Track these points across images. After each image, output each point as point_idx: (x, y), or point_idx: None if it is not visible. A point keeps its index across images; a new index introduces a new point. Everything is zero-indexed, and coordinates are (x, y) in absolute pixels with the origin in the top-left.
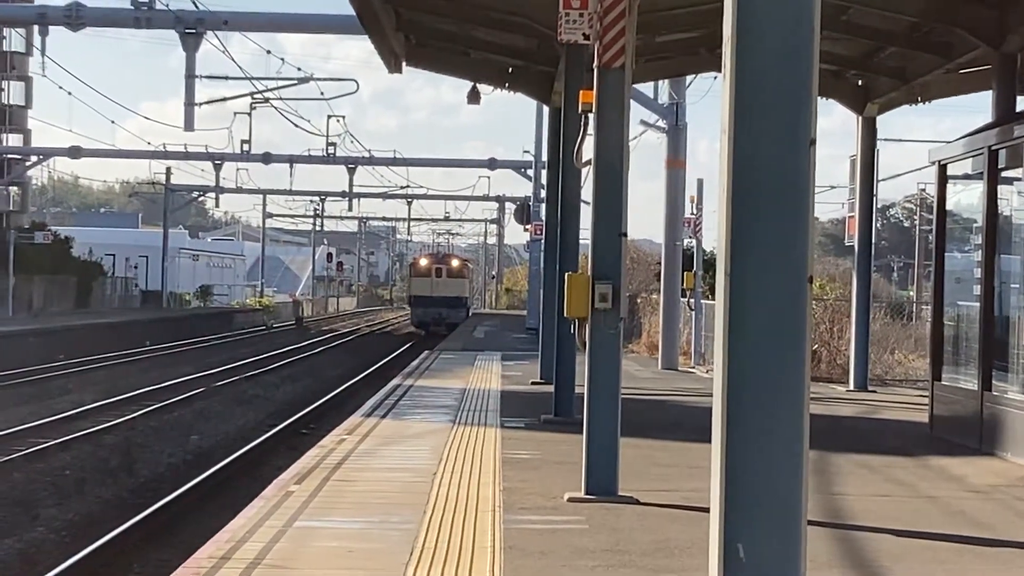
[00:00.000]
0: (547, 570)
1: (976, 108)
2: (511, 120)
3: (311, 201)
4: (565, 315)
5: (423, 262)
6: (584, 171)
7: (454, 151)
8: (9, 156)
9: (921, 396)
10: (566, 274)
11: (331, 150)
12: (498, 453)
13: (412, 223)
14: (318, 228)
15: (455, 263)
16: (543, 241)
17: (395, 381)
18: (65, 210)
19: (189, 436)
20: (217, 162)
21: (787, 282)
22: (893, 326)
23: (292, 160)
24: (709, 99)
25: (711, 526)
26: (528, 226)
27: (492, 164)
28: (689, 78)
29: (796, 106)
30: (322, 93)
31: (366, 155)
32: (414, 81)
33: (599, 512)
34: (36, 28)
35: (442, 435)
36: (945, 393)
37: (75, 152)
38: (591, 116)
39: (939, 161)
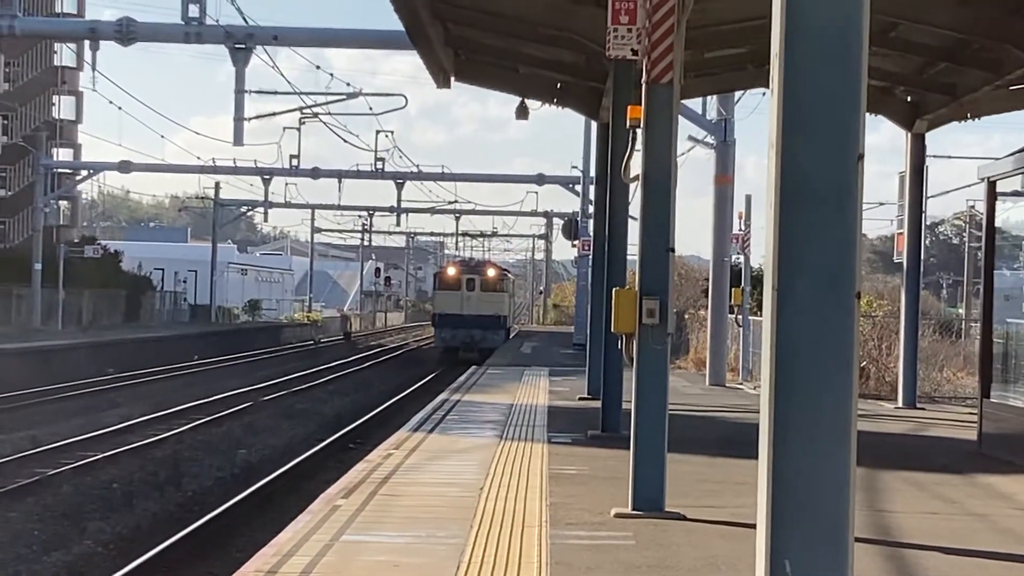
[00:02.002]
0: None
1: None
2: (558, 135)
3: (359, 216)
4: (612, 330)
5: (451, 271)
6: (632, 186)
7: (501, 166)
8: (60, 170)
9: (970, 413)
10: (614, 289)
11: (379, 165)
12: (545, 468)
13: (460, 238)
14: (366, 243)
15: (491, 273)
16: (591, 257)
17: (442, 396)
18: (115, 224)
19: (237, 450)
20: (266, 177)
21: (835, 297)
22: (942, 343)
23: (341, 175)
24: (757, 115)
25: (758, 542)
26: (576, 242)
27: (540, 179)
28: (737, 94)
29: (844, 121)
30: (371, 108)
31: (414, 170)
32: (461, 96)
33: (646, 528)
34: (87, 43)
35: (489, 450)
36: (994, 410)
37: (125, 166)
38: (639, 131)
39: (988, 178)
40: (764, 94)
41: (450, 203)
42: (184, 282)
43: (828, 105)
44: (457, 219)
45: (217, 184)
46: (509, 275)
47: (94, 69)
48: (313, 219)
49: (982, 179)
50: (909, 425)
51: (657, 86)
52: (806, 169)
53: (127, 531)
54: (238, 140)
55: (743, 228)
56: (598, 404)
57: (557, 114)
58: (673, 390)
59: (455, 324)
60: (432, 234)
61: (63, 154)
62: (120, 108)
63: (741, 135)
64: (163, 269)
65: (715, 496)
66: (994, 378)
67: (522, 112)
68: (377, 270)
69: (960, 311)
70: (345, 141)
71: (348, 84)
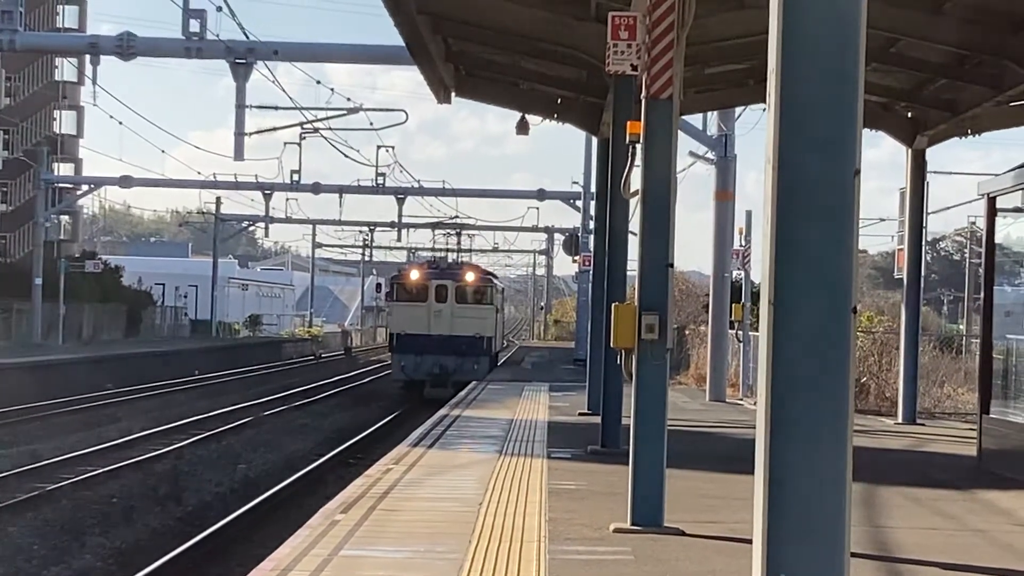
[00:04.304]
0: None
1: None
2: (558, 151)
3: (360, 231)
4: (612, 345)
5: (414, 276)
6: (632, 202)
7: (501, 181)
8: (61, 185)
9: (970, 429)
10: (613, 305)
11: (380, 180)
12: (544, 483)
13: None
14: (367, 258)
15: (470, 277)
16: (591, 272)
17: (442, 411)
18: (116, 239)
19: (237, 465)
20: (267, 192)
21: (832, 312)
22: (942, 359)
23: (341, 190)
24: (758, 131)
25: (754, 557)
26: (576, 257)
27: (541, 195)
28: (738, 110)
29: (841, 136)
30: (371, 123)
31: (415, 185)
32: (460, 111)
33: (645, 543)
34: (88, 58)
35: (488, 465)
36: (994, 426)
37: (126, 181)
38: (639, 147)
39: (988, 194)
40: (764, 110)
41: (451, 218)
42: (185, 297)
43: (825, 120)
44: (458, 235)
45: (218, 199)
46: (495, 282)
47: (95, 84)
48: (314, 234)
49: (982, 195)
50: (909, 441)
51: (657, 101)
52: (803, 183)
53: (127, 546)
54: (239, 155)
55: (743, 243)
56: (598, 419)
57: (557, 129)
58: (673, 406)
59: (420, 349)
60: (433, 249)
61: (64, 169)
62: (121, 123)
63: (742, 151)
64: (164, 284)
65: (714, 511)
66: (994, 394)
67: (522, 127)
68: (378, 285)
69: (961, 327)
70: (346, 156)
71: (348, 99)
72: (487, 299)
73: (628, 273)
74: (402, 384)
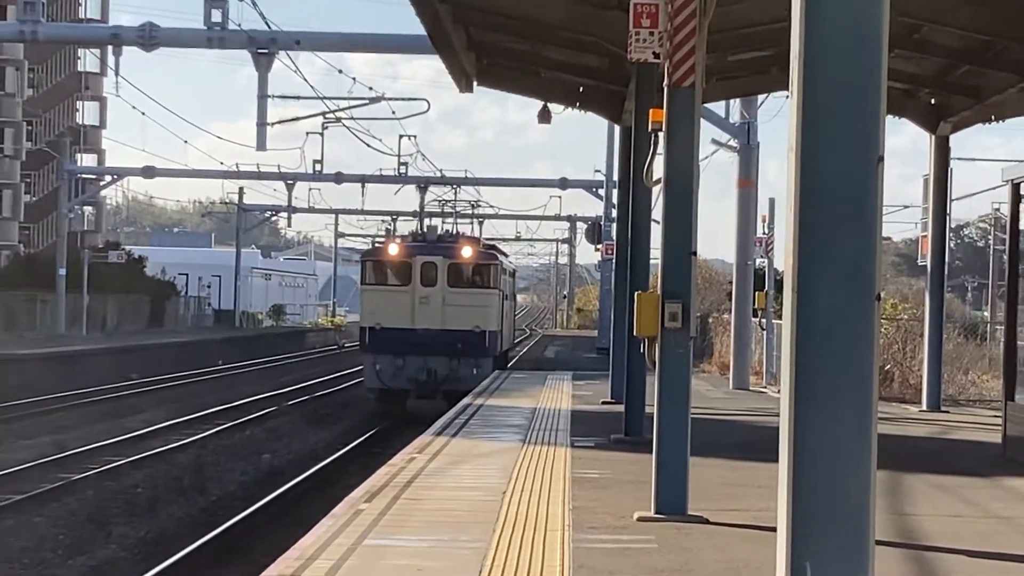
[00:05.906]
0: None
1: None
2: (580, 139)
3: (383, 220)
4: (635, 334)
5: (393, 251)
6: (655, 190)
7: (522, 170)
8: (84, 176)
9: (995, 416)
10: (636, 293)
11: (402, 169)
12: (568, 472)
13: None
14: None
15: (467, 253)
16: (614, 261)
17: (465, 400)
18: (139, 229)
19: (261, 455)
20: (289, 182)
21: (855, 299)
22: (967, 346)
23: (364, 180)
24: (781, 118)
25: (778, 545)
26: (599, 246)
27: (563, 184)
28: (761, 97)
29: (864, 123)
30: (393, 112)
31: (437, 174)
32: (480, 100)
33: (668, 531)
34: (110, 48)
35: (512, 454)
36: (1018, 413)
37: (148, 172)
38: (661, 135)
39: (1012, 180)
40: (787, 97)
41: (474, 206)
42: (208, 287)
43: (847, 107)
44: (480, 224)
45: (241, 189)
46: (501, 260)
47: (117, 74)
48: (337, 224)
49: (1007, 181)
50: (933, 428)
51: (679, 89)
52: (825, 171)
53: (151, 535)
54: (261, 145)
55: (767, 231)
56: (621, 408)
57: (578, 117)
58: (696, 394)
59: (401, 348)
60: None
61: (87, 159)
62: (143, 113)
63: (764, 138)
64: (187, 274)
65: (737, 499)
66: (1019, 381)
67: (544, 116)
68: None
69: (985, 314)
70: (368, 146)
71: (371, 88)
72: (490, 281)
73: (651, 261)
74: (376, 395)
